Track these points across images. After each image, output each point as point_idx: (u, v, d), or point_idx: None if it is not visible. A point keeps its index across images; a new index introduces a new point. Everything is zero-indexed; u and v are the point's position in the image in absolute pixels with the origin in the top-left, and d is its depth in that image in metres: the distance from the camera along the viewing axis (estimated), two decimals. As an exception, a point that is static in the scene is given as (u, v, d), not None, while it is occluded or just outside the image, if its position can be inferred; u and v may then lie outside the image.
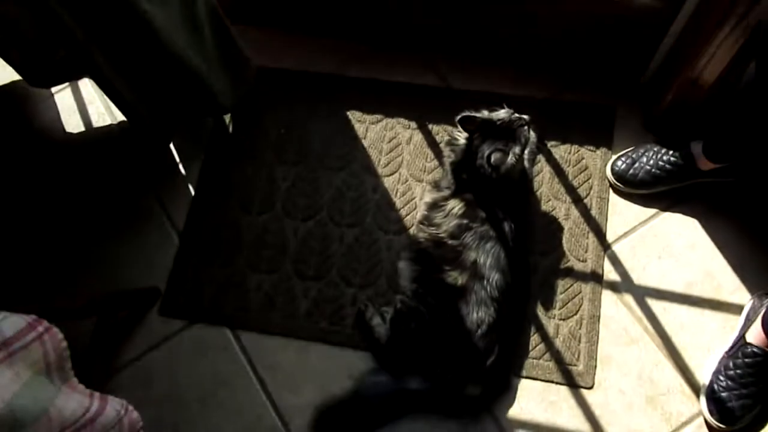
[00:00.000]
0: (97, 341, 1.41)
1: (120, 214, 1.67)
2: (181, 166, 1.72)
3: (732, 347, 1.40)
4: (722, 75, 1.37)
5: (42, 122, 1.80)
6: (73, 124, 1.79)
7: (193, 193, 1.67)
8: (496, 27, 1.67)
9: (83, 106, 1.81)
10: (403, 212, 1.60)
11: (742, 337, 1.39)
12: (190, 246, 1.61)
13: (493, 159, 1.37)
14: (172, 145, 1.73)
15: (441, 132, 1.68)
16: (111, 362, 1.51)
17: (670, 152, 1.52)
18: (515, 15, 1.61)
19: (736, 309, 1.46)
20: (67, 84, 1.82)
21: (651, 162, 1.54)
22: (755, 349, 1.34)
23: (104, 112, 1.79)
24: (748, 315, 1.42)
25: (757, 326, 1.36)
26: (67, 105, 1.82)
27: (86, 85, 1.83)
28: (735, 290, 1.48)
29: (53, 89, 1.83)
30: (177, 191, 1.69)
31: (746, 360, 1.35)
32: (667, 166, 1.52)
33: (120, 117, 1.77)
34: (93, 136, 1.77)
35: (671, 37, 1.51)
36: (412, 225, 1.57)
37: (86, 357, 1.40)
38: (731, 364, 1.37)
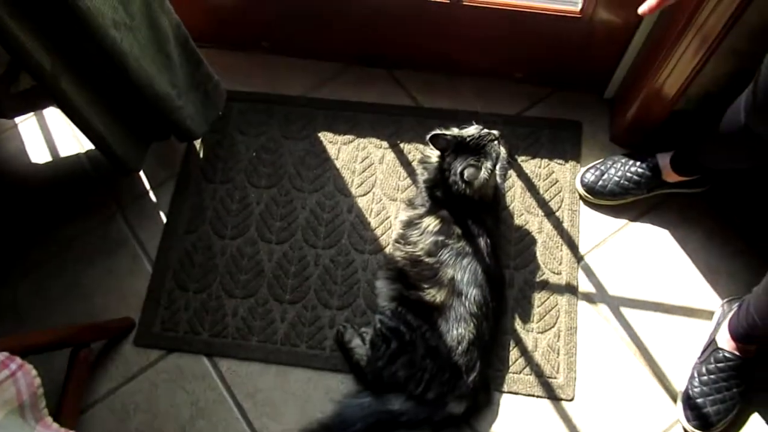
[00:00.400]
0: (72, 375, 1.37)
1: (90, 245, 1.64)
2: (151, 193, 1.69)
3: (703, 353, 1.42)
4: (683, 88, 1.41)
5: (6, 153, 1.77)
6: (39, 154, 1.76)
7: (164, 219, 1.65)
8: (458, 46, 1.70)
9: (49, 135, 1.78)
10: (378, 231, 1.61)
11: (712, 342, 1.42)
12: (163, 273, 1.59)
13: (466, 174, 1.38)
14: (142, 173, 1.71)
15: (413, 151, 1.69)
16: (86, 396, 1.47)
17: (638, 163, 1.56)
18: (474, 36, 1.64)
19: (707, 315, 1.49)
20: (32, 113, 1.79)
21: (619, 173, 1.57)
22: (726, 354, 1.37)
23: (71, 141, 1.77)
24: (718, 321, 1.45)
25: (725, 331, 1.39)
26: (33, 135, 1.78)
27: (52, 115, 1.80)
28: (706, 297, 1.51)
29: (17, 119, 1.79)
30: (148, 218, 1.66)
31: (718, 365, 1.38)
32: (635, 177, 1.55)
33: (88, 145, 1.74)
34: (60, 165, 1.74)
35: (632, 52, 1.55)
36: (388, 244, 1.57)
37: (61, 392, 1.36)
38: (704, 370, 1.39)
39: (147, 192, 1.70)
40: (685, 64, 1.35)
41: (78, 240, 1.65)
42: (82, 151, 1.76)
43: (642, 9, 0.82)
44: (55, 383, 1.36)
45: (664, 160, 1.53)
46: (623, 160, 1.58)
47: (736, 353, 1.37)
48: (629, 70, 1.60)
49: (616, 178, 1.57)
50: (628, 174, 1.56)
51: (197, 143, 1.74)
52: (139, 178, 1.71)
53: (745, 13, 1.19)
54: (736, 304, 1.41)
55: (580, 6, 1.49)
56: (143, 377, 1.50)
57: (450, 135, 1.44)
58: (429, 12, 1.57)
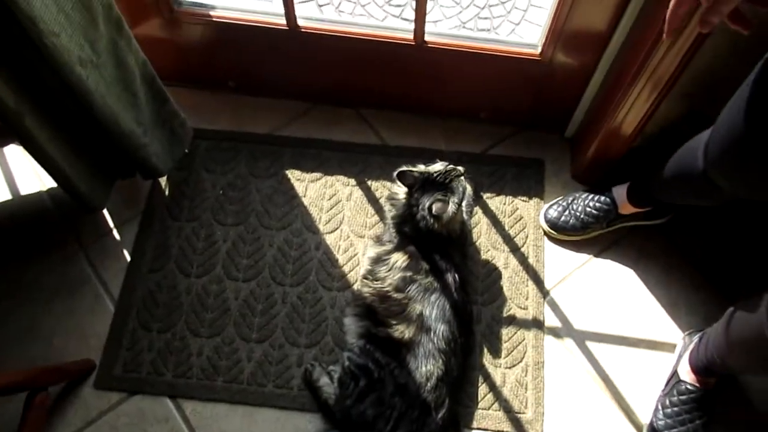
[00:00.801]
0: (27, 421, 1.32)
1: (50, 284, 1.59)
2: (115, 232, 1.67)
3: (667, 385, 1.45)
4: (639, 128, 1.46)
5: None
6: (-2, 192, 1.73)
7: (128, 258, 1.62)
8: (423, 86, 1.74)
9: (9, 173, 1.74)
10: (346, 268, 1.61)
11: (674, 374, 1.44)
12: (126, 313, 1.55)
13: (434, 209, 1.40)
14: (105, 211, 1.69)
15: (380, 188, 1.71)
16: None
17: (596, 198, 1.60)
18: (439, 77, 1.69)
19: (670, 347, 1.52)
20: (-9, 151, 1.76)
21: (579, 208, 1.61)
22: (687, 386, 1.40)
23: (33, 178, 1.73)
24: (680, 353, 1.48)
25: (686, 363, 1.42)
26: (-8, 172, 1.75)
27: (12, 152, 1.77)
28: (668, 329, 1.55)
29: (-24, 157, 1.76)
30: (111, 257, 1.63)
31: (680, 397, 1.40)
32: (594, 211, 1.59)
33: (49, 183, 1.71)
34: (21, 204, 1.71)
35: (590, 94, 1.61)
36: (356, 281, 1.57)
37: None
38: (667, 402, 1.41)
39: (110, 230, 1.67)
40: (639, 107, 1.40)
41: (37, 279, 1.60)
42: (44, 188, 1.72)
43: (666, 35, 0.84)
44: (9, 429, 1.31)
45: (619, 192, 1.57)
46: (583, 196, 1.63)
47: (697, 385, 1.39)
48: (588, 111, 1.66)
49: (578, 213, 1.61)
50: (588, 209, 1.60)
51: (162, 181, 1.72)
52: (103, 216, 1.68)
53: (693, 60, 1.26)
54: (696, 336, 1.45)
55: (539, 49, 1.54)
56: (103, 421, 1.45)
57: (417, 171, 1.46)
58: (394, 53, 1.61)
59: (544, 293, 1.59)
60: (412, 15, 1.50)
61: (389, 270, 1.45)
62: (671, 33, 0.82)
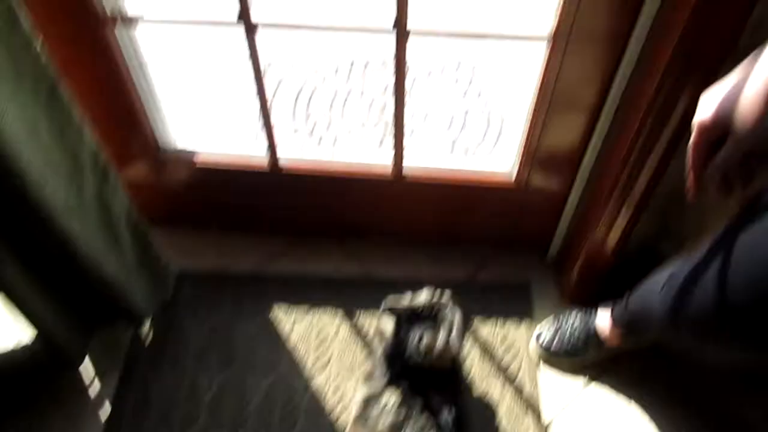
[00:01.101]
0: None
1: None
2: (96, 381, 1.58)
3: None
4: (621, 244, 1.48)
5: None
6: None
7: (107, 413, 1.53)
8: (404, 218, 1.78)
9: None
10: (336, 411, 1.53)
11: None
12: (101, 475, 1.44)
13: (423, 344, 1.36)
14: (86, 360, 1.61)
15: (368, 323, 1.68)
16: None
17: (581, 325, 1.55)
18: (419, 208, 1.73)
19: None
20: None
21: (568, 333, 1.56)
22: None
23: (9, 331, 1.67)
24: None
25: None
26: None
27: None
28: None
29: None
30: (90, 411, 1.53)
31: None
32: (582, 336, 1.55)
33: (24, 339, 1.65)
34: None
35: (568, 213, 1.64)
36: (347, 424, 1.49)
37: None
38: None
39: (92, 382, 1.59)
40: (618, 225, 1.43)
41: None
42: (15, 343, 1.65)
43: (690, 197, 0.87)
44: None
45: (603, 320, 1.52)
46: (571, 320, 1.58)
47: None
48: (567, 231, 1.68)
49: (568, 336, 1.57)
50: (576, 332, 1.56)
51: (144, 328, 1.67)
52: (79, 371, 1.61)
53: (665, 177, 1.30)
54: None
55: (513, 177, 1.59)
56: None
57: (403, 306, 1.43)
58: (374, 188, 1.66)
59: (545, 426, 1.51)
60: (391, 141, 1.55)
61: (381, 410, 1.38)
62: (696, 196, 0.86)
